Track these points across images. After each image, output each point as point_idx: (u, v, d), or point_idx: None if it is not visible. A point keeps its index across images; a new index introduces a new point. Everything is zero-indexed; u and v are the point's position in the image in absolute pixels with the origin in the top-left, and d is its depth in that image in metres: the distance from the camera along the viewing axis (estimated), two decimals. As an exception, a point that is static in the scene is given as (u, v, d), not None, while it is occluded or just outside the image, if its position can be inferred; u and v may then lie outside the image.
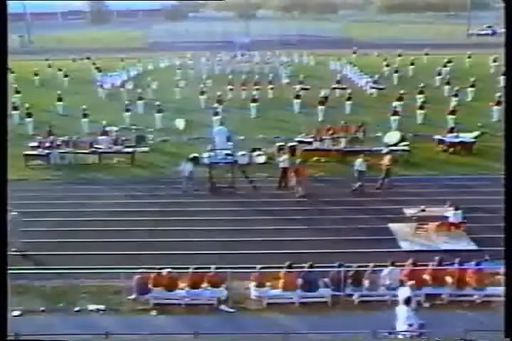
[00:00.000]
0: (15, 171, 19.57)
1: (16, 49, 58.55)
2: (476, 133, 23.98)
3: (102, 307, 12.07)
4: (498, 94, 27.44)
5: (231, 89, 35.29)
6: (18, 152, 21.38)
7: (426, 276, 12.21)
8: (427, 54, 50.03)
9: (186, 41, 69.23)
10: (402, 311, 10.13)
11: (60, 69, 44.00)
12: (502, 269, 10.36)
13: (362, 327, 10.31)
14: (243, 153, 21.86)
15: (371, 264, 12.32)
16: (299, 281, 12.13)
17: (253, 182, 19.46)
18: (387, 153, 19.99)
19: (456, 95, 30.60)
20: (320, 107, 29.01)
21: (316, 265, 12.38)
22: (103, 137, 23.57)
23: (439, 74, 38.91)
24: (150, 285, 12.24)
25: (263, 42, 65.65)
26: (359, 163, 18.73)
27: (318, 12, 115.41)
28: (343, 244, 14.79)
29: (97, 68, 44.32)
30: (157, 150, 24.38)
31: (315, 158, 22.13)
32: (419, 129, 26.20)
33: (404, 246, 14.83)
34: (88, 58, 53.15)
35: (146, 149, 23.97)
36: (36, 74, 43.20)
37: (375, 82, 36.71)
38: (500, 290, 10.13)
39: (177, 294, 12.26)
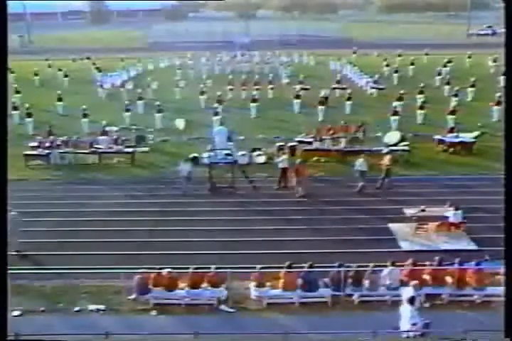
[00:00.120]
0: (15, 171, 19.56)
1: (16, 49, 58.56)
2: (476, 133, 23.98)
3: (102, 307, 12.07)
4: (498, 94, 27.45)
5: (231, 89, 35.30)
6: (18, 152, 21.39)
7: (426, 276, 12.20)
8: (427, 54, 50.05)
9: (186, 41, 69.27)
10: (406, 310, 10.14)
11: (60, 69, 44.02)
12: (502, 269, 10.36)
13: (362, 327, 10.32)
14: (243, 153, 21.86)
15: (371, 264, 12.31)
16: (299, 281, 12.13)
17: (253, 182, 19.46)
18: (387, 153, 19.99)
19: (456, 95, 30.60)
20: (320, 107, 29.02)
21: (316, 265, 12.37)
22: (103, 137, 23.58)
23: (439, 74, 38.92)
24: (150, 285, 12.23)
25: (263, 42, 65.66)
26: (360, 163, 18.72)
27: (318, 12, 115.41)
28: (343, 244, 14.79)
29: (97, 68, 44.33)
30: (157, 150, 24.38)
31: (315, 158, 22.12)
32: (419, 129, 26.20)
33: (404, 246, 14.83)
34: (88, 58, 53.17)
35: (146, 149, 23.97)
36: (36, 74, 43.21)
37: (375, 82, 36.71)
38: (500, 290, 10.13)
39: (177, 294, 12.26)
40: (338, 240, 15.08)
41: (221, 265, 12.56)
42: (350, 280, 12.18)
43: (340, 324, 11.09)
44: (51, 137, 23.44)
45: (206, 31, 76.34)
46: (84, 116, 27.00)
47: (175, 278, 12.31)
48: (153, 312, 11.93)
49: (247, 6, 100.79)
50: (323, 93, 31.91)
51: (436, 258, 12.63)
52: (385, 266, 12.26)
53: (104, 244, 15.02)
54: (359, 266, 12.34)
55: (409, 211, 15.90)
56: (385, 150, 20.97)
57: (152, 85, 37.52)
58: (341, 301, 12.18)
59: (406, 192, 18.55)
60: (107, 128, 25.01)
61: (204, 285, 12.23)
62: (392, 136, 23.32)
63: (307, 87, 34.98)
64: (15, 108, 28.96)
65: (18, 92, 34.12)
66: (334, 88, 35.47)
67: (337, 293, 12.19)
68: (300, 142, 23.04)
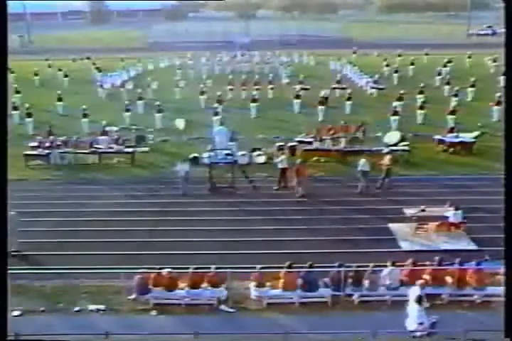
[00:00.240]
0: (15, 171, 19.56)
1: (16, 49, 58.58)
2: (476, 133, 23.97)
3: (102, 307, 12.07)
4: (498, 94, 27.45)
5: (231, 89, 35.30)
6: (18, 152, 21.39)
7: (426, 276, 12.20)
8: (427, 54, 50.05)
9: (186, 41, 69.25)
10: (413, 310, 10.15)
11: (60, 69, 44.03)
12: (502, 269, 10.36)
13: (362, 327, 10.33)
14: (243, 153, 21.86)
15: (371, 264, 12.31)
16: (299, 281, 12.12)
17: (253, 182, 19.46)
18: (387, 153, 19.98)
19: (456, 95, 30.60)
20: (320, 107, 29.01)
21: (316, 265, 12.37)
22: (103, 137, 23.58)
23: (439, 74, 38.92)
24: (150, 285, 12.23)
25: (263, 42, 65.65)
26: (362, 163, 18.68)
27: (318, 12, 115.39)
28: (343, 243, 14.80)
29: (97, 68, 44.34)
30: (157, 150, 24.38)
31: (315, 158, 22.12)
32: (419, 129, 26.20)
33: (404, 246, 14.83)
34: (88, 58, 53.17)
35: (146, 149, 23.97)
36: (36, 74, 43.21)
37: (375, 82, 36.71)
38: (500, 290, 10.13)
39: (177, 294, 12.26)
40: (338, 240, 15.08)
41: (221, 265, 12.56)
42: (350, 280, 12.17)
43: (340, 324, 11.09)
44: (51, 137, 23.44)
45: (206, 31, 76.33)
46: (84, 116, 27.00)
47: (175, 278, 12.31)
48: (153, 312, 11.93)
49: (247, 6, 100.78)
50: (323, 93, 31.90)
51: (436, 258, 12.62)
52: (385, 266, 12.26)
53: (104, 244, 15.02)
54: (359, 266, 12.34)
55: (409, 211, 15.90)
56: (385, 150, 20.96)
57: (152, 85, 37.52)
58: (341, 301, 12.18)
59: (406, 192, 18.55)
60: (107, 128, 25.01)
61: (204, 285, 12.23)
62: (392, 136, 23.32)
63: (307, 87, 34.98)
64: (15, 108, 28.96)
65: (18, 92, 34.12)
66: (334, 88, 35.46)
67: (337, 293, 12.19)
68: (300, 142, 23.04)
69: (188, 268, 12.38)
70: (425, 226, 15.64)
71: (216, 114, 27.28)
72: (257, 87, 34.59)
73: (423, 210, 15.61)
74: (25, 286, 12.81)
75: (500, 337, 7.93)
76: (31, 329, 10.70)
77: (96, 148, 22.74)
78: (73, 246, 15.08)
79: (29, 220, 15.56)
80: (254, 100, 30.87)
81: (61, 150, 22.70)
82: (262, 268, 12.40)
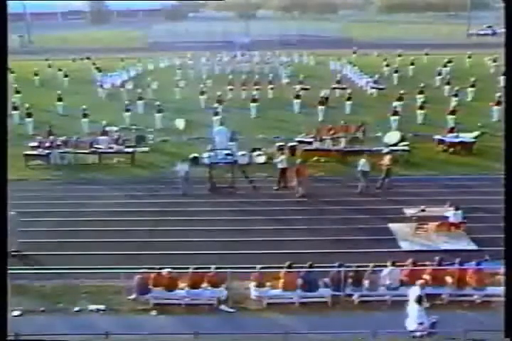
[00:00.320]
0: (15, 171, 19.56)
1: (16, 49, 58.58)
2: (476, 133, 23.97)
3: (102, 307, 12.07)
4: (498, 94, 27.45)
5: (231, 89, 35.29)
6: (18, 152, 21.39)
7: (426, 276, 12.20)
8: (427, 54, 50.05)
9: (186, 41, 69.26)
10: (413, 310, 10.14)
11: (60, 69, 44.02)
12: (502, 269, 10.37)
13: (362, 327, 10.34)
14: (243, 153, 21.86)
15: (371, 264, 12.31)
16: (299, 281, 12.12)
17: (253, 182, 19.46)
18: (387, 153, 19.98)
19: (456, 95, 30.59)
20: (320, 107, 29.01)
21: (316, 265, 12.37)
22: (103, 137, 23.58)
23: (439, 74, 38.91)
24: (150, 285, 12.23)
25: (263, 42, 65.64)
26: (362, 163, 18.66)
27: (318, 12, 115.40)
28: (343, 243, 14.80)
29: (97, 68, 44.33)
30: (157, 150, 24.38)
31: (315, 158, 22.13)
32: (419, 129, 26.20)
33: (404, 246, 14.83)
34: (88, 58, 53.17)
35: (146, 149, 23.97)
36: (36, 74, 43.21)
37: (375, 82, 36.70)
38: (500, 290, 10.13)
39: (177, 294, 12.26)
40: (338, 240, 15.08)
41: (221, 265, 12.56)
42: (350, 280, 12.17)
43: (340, 324, 11.09)
44: (51, 137, 23.43)
45: (206, 31, 76.31)
46: (84, 116, 26.99)
47: (175, 278, 12.31)
48: (153, 312, 11.93)
49: (247, 6, 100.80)
50: (323, 93, 31.89)
51: (437, 258, 12.62)
52: (385, 266, 12.26)
53: (104, 244, 15.02)
54: (359, 266, 12.34)
55: (409, 211, 15.90)
56: (385, 150, 20.96)
57: (152, 85, 37.51)
58: (341, 301, 12.18)
59: (406, 192, 18.55)
60: (107, 128, 25.01)
61: (204, 285, 12.23)
62: (392, 136, 23.32)
63: (307, 87, 34.97)
64: (15, 108, 28.96)
65: (18, 92, 34.12)
66: (334, 88, 35.47)
67: (337, 293, 12.19)
68: (300, 142, 23.05)
69: (188, 268, 12.38)
70: (425, 226, 15.64)
71: (216, 114, 27.28)
72: (257, 87, 34.58)
73: (423, 210, 15.61)
74: (25, 286, 12.81)
75: (500, 337, 7.93)
76: (31, 329, 10.70)
77: (96, 148, 22.74)
78: (73, 246, 15.07)
79: (29, 220, 15.56)
80: (254, 100, 30.87)
81: (61, 150, 22.70)
82: (262, 268, 12.40)
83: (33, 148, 22.93)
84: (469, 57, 47.88)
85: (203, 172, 19.52)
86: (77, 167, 22.20)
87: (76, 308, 12.08)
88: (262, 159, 22.18)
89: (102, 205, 17.94)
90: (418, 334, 10.14)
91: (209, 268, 12.40)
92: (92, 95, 36.51)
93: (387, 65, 43.45)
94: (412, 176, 20.23)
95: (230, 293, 12.23)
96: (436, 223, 15.54)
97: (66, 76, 42.20)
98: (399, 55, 48.27)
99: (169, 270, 12.27)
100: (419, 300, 10.22)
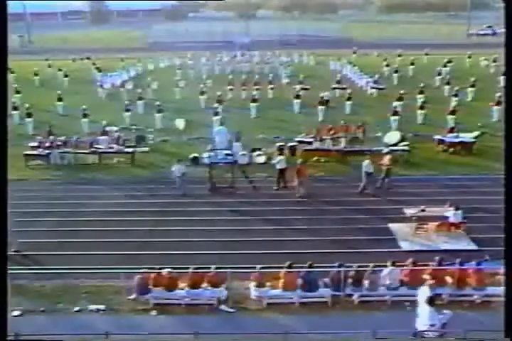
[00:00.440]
0: (15, 171, 19.56)
1: (16, 49, 58.58)
2: (476, 133, 23.98)
3: (102, 307, 12.08)
4: (498, 94, 27.46)
5: (231, 89, 35.30)
6: (18, 152, 21.39)
7: (426, 276, 12.20)
8: (427, 54, 50.06)
9: (186, 41, 69.26)
10: (424, 311, 10.06)
11: (60, 69, 44.03)
12: (502, 269, 10.37)
13: (362, 327, 10.32)
14: (243, 153, 21.86)
15: (371, 264, 12.31)
16: (299, 281, 12.12)
17: (253, 182, 19.46)
18: (387, 153, 19.98)
19: (456, 95, 30.60)
20: (320, 107, 29.01)
21: (316, 265, 12.37)
22: (103, 137, 23.58)
23: (439, 74, 38.93)
24: (150, 285, 12.23)
25: (263, 42, 65.65)
26: (366, 164, 18.57)
27: (318, 12, 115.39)
28: (343, 243, 14.80)
29: (97, 68, 44.35)
30: (157, 150, 24.38)
31: (315, 158, 22.12)
32: (419, 129, 26.21)
33: (404, 246, 14.83)
34: (88, 58, 53.18)
35: (146, 149, 23.98)
36: (36, 74, 43.21)
37: (375, 82, 36.70)
38: (500, 290, 10.13)
39: (177, 294, 12.26)
40: (338, 240, 15.08)
41: (221, 265, 12.56)
42: (350, 281, 12.17)
43: (340, 324, 11.10)
44: (51, 137, 23.43)
45: (206, 31, 76.30)
46: (84, 116, 27.00)
47: (175, 278, 12.31)
48: (153, 312, 11.93)
49: (247, 6, 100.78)
50: (323, 95, 31.80)
51: (437, 258, 12.63)
52: (385, 266, 12.26)
53: (104, 244, 15.02)
54: (359, 266, 12.34)
55: (409, 211, 15.91)
56: (385, 150, 20.96)
57: (152, 85, 37.51)
58: (341, 301, 12.18)
59: (406, 192, 18.54)
60: (107, 128, 25.02)
61: (204, 285, 12.23)
62: (392, 136, 23.33)
63: (307, 87, 34.98)
64: (15, 108, 28.97)
65: (18, 92, 34.14)
66: (334, 88, 35.47)
67: (337, 293, 12.19)
68: (300, 142, 23.05)
69: (188, 268, 12.38)
70: (425, 226, 15.64)
71: (216, 114, 27.29)
72: (257, 87, 34.59)
73: (423, 210, 15.61)
74: (25, 286, 12.81)
75: (501, 337, 7.93)
76: (31, 329, 10.69)
77: (96, 148, 22.74)
78: (73, 246, 15.07)
79: (29, 220, 15.56)
80: (254, 100, 30.87)
81: (61, 150, 22.70)
82: (262, 268, 12.40)
83: (33, 148, 22.93)
84: (469, 57, 47.90)
85: (203, 172, 19.52)
86: (77, 167, 22.20)
87: (76, 308, 12.08)
88: (262, 159, 22.17)
89: (102, 205, 17.93)
90: (430, 335, 10.05)
91: (209, 268, 12.40)
92: (92, 95, 36.51)
93: (387, 65, 43.45)
94: (412, 176, 20.22)
95: (230, 293, 12.23)
96: (436, 223, 15.55)
97: (66, 76, 42.21)
98: (399, 55, 48.29)
99: (169, 270, 12.27)
100: (430, 301, 10.11)
